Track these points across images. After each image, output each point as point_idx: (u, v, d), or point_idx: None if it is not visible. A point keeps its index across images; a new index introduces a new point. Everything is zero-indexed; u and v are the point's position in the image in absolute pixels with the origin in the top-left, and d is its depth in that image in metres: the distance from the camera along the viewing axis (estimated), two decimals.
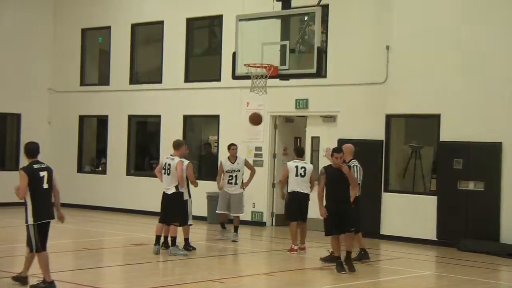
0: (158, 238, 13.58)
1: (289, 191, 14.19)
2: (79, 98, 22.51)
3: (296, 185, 14.12)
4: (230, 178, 15.62)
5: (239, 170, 15.70)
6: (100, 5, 22.18)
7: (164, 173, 13.63)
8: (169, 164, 13.59)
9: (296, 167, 14.19)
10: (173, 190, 13.42)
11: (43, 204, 9.94)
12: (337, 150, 12.14)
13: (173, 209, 13.42)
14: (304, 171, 14.16)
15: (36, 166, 9.99)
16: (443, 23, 16.06)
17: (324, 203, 12.15)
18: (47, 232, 10.04)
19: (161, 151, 20.41)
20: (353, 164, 12.82)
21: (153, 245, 13.55)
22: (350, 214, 12.03)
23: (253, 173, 15.94)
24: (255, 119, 15.50)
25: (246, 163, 15.91)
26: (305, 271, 12.36)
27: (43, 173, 9.96)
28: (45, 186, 9.97)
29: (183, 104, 20.20)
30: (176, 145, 13.83)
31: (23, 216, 9.85)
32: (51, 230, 10.04)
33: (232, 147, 15.90)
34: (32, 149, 10.12)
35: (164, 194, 13.60)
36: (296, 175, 14.13)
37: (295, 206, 14.15)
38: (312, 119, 18.23)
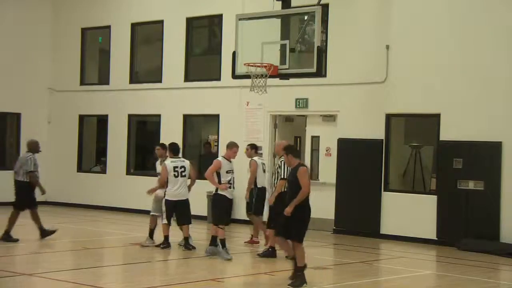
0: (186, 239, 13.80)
1: (259, 186, 14.54)
2: (79, 98, 22.49)
3: (262, 180, 14.62)
4: None
5: (159, 173, 14.24)
6: (100, 5, 22.17)
7: (177, 176, 13.57)
8: (182, 167, 13.56)
9: (262, 163, 14.79)
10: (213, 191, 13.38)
11: None
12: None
13: (216, 210, 13.29)
14: (264, 167, 14.80)
15: None
16: (443, 23, 16.05)
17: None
18: None
19: None
20: (281, 160, 13.00)
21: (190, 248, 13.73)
22: (291, 220, 10.70)
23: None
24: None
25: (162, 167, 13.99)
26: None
27: None
28: None
29: (183, 103, 20.18)
30: (230, 145, 13.48)
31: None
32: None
33: (156, 147, 14.91)
34: None
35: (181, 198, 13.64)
36: (263, 171, 14.74)
37: (262, 201, 14.58)
38: (312, 119, 18.22)
